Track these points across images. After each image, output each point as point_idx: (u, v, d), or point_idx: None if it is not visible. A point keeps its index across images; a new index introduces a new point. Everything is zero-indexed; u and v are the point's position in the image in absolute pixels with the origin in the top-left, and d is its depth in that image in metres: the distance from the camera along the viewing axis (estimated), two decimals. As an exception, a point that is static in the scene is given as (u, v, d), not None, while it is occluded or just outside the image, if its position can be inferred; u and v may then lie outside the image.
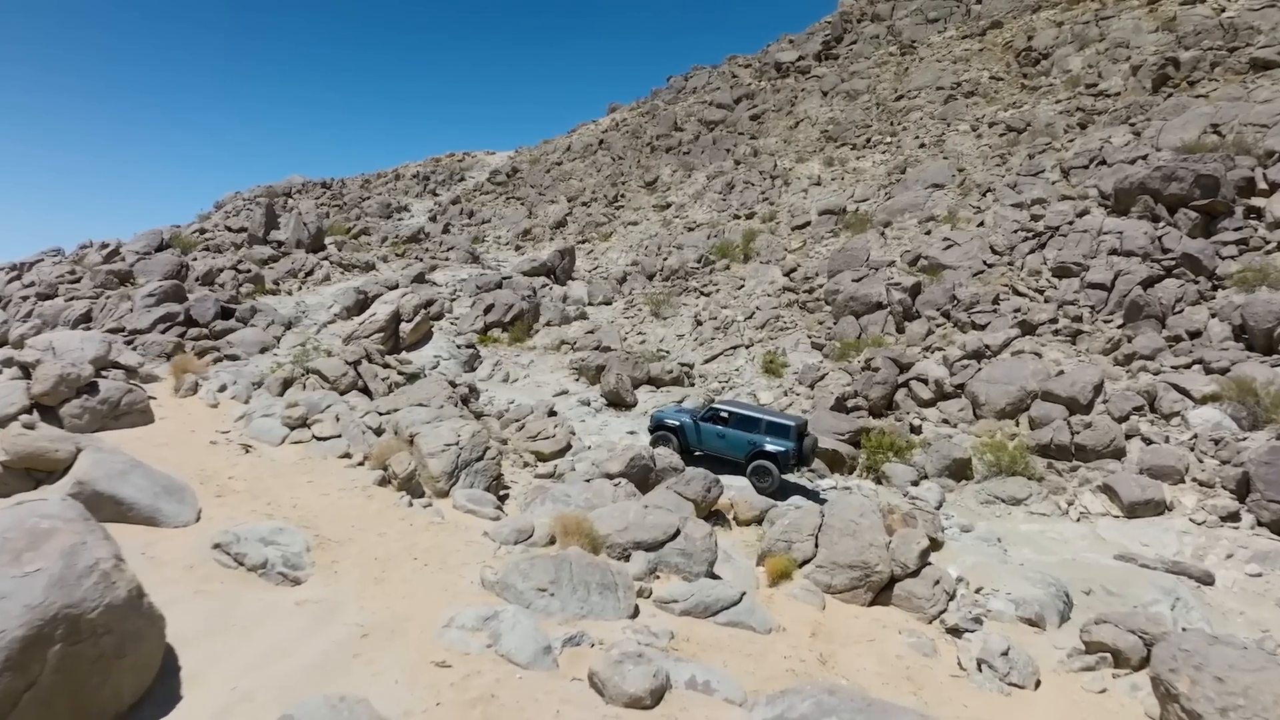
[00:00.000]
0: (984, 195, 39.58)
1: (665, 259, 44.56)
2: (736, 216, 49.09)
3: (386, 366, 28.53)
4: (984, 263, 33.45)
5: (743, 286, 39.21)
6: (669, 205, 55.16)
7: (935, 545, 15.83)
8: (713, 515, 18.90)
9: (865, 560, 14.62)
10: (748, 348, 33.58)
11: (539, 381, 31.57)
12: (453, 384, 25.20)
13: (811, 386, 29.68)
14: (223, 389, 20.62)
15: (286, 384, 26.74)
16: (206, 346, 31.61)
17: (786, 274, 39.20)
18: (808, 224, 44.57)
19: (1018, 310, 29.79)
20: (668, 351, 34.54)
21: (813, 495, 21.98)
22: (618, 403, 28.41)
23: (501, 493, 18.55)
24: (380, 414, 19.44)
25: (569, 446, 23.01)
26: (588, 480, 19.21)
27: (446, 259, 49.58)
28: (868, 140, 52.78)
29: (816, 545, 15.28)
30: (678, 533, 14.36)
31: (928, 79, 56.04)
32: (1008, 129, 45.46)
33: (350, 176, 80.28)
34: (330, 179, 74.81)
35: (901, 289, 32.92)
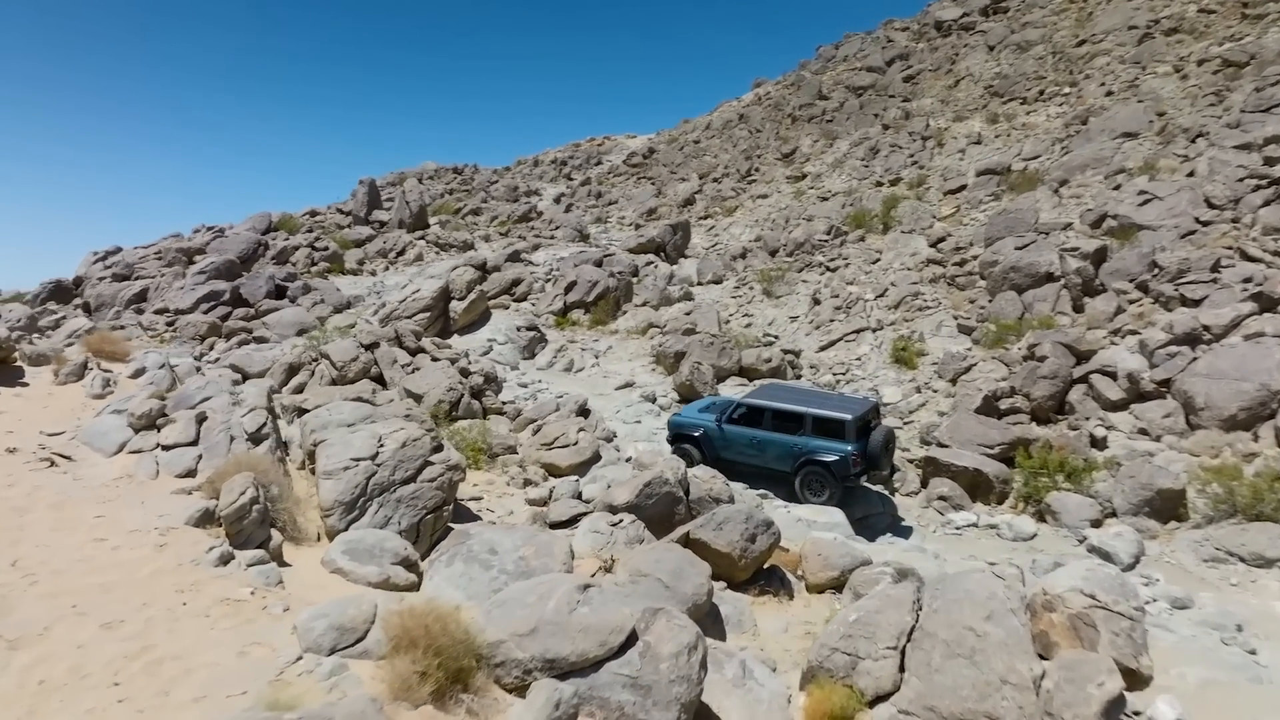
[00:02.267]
0: (1194, 140, 30.10)
1: (791, 232, 37.15)
2: (879, 183, 40.97)
3: (417, 351, 22.84)
4: (1196, 220, 24.44)
5: (877, 260, 31.41)
6: (804, 176, 47.47)
7: (1136, 680, 8.23)
8: (764, 574, 11.93)
9: (992, 713, 7.39)
10: (875, 331, 25.95)
11: (609, 371, 25.14)
12: (466, 372, 19.14)
13: (953, 381, 21.89)
14: (139, 374, 15.26)
15: (292, 370, 21.53)
16: (238, 327, 26.95)
17: (933, 244, 31.10)
18: (963, 187, 36.06)
19: (1249, 280, 20.88)
20: (775, 336, 27.36)
21: (902, 529, 14.68)
22: (692, 398, 21.60)
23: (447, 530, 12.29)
24: (302, 410, 13.59)
25: (596, 457, 16.47)
26: (578, 514, 12.66)
27: (553, 238, 43.97)
28: (1041, 93, 43.33)
29: (902, 668, 8.14)
30: (628, 642, 7.59)
31: (1117, 21, 45.87)
32: (1225, 64, 35.38)
33: (497, 166, 76.63)
34: (462, 164, 71.05)
35: (1080, 255, 24.46)
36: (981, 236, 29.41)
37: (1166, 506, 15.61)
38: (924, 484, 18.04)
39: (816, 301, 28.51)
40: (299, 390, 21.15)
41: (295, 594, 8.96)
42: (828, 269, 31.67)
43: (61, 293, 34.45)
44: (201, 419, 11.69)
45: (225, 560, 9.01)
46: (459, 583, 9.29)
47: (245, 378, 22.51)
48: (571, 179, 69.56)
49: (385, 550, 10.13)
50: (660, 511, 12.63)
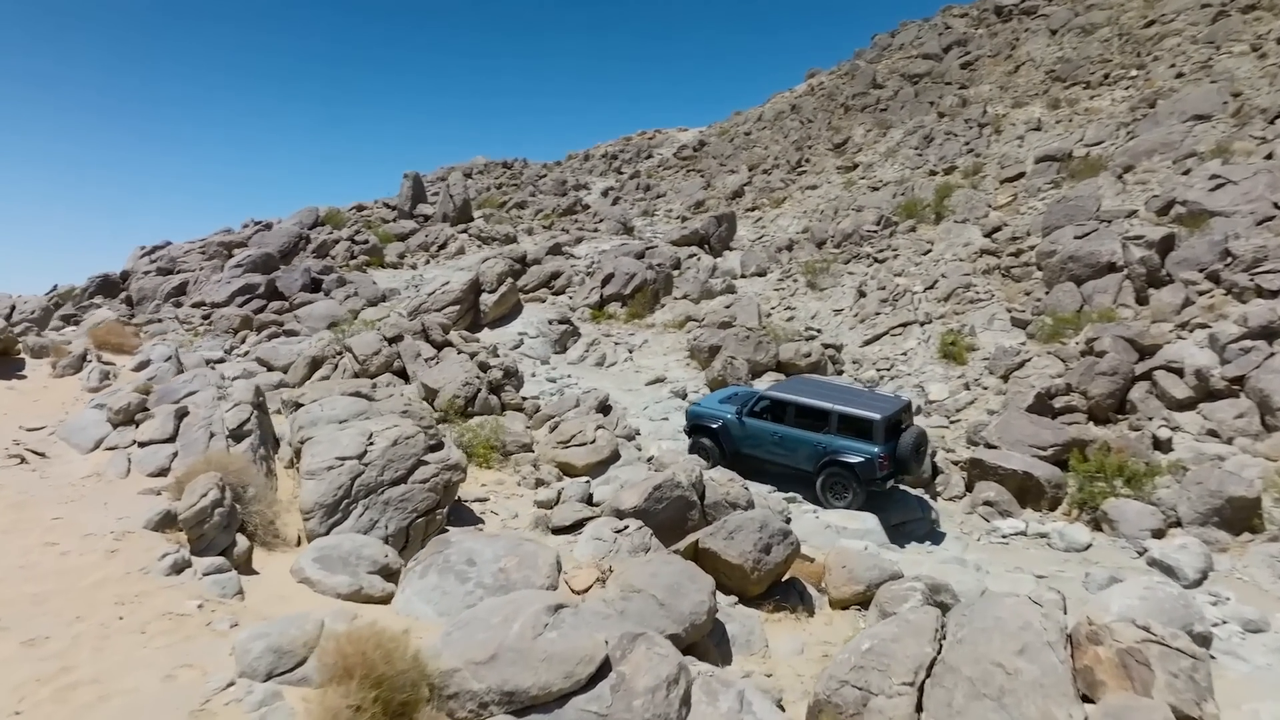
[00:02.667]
0: (1272, 121, 28.04)
1: (839, 223, 35.73)
2: (932, 172, 39.28)
3: (443, 345, 22.12)
4: (1275, 205, 22.57)
5: (929, 251, 29.90)
6: (855, 166, 45.88)
7: (1198, 729, 6.98)
8: (781, 588, 10.85)
9: (1021, 768, 6.26)
10: (923, 325, 24.54)
11: (642, 366, 24.15)
12: (484, 366, 18.32)
13: (1004, 378, 20.46)
14: (142, 366, 14.71)
15: (315, 364, 20.97)
16: (268, 320, 26.56)
17: (987, 234, 29.49)
18: (1021, 175, 34.27)
19: (1333, 269, 19.16)
20: (818, 330, 26.09)
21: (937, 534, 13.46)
22: (726, 395, 20.53)
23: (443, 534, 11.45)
24: (296, 404, 12.85)
25: (615, 456, 15.49)
26: (583, 519, 11.70)
27: (596, 231, 43.12)
28: (1106, 76, 41.17)
29: (920, 707, 7.03)
30: (600, 673, 6.62)
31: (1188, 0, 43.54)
32: (1306, 41, 33.15)
33: (547, 160, 76.11)
34: (512, 159, 70.64)
35: (1145, 244, 22.76)
36: (1039, 225, 27.77)
37: (1238, 516, 14.11)
38: (969, 488, 16.71)
39: (862, 294, 27.17)
40: (317, 381, 20.57)
41: (252, 607, 8.17)
42: (875, 260, 30.26)
43: (109, 287, 34.54)
44: (182, 414, 11.01)
45: (179, 568, 8.25)
46: (431, 597, 8.42)
47: (270, 372, 22.12)
48: (621, 173, 68.77)
49: (362, 558, 9.30)
50: (671, 517, 11.62)
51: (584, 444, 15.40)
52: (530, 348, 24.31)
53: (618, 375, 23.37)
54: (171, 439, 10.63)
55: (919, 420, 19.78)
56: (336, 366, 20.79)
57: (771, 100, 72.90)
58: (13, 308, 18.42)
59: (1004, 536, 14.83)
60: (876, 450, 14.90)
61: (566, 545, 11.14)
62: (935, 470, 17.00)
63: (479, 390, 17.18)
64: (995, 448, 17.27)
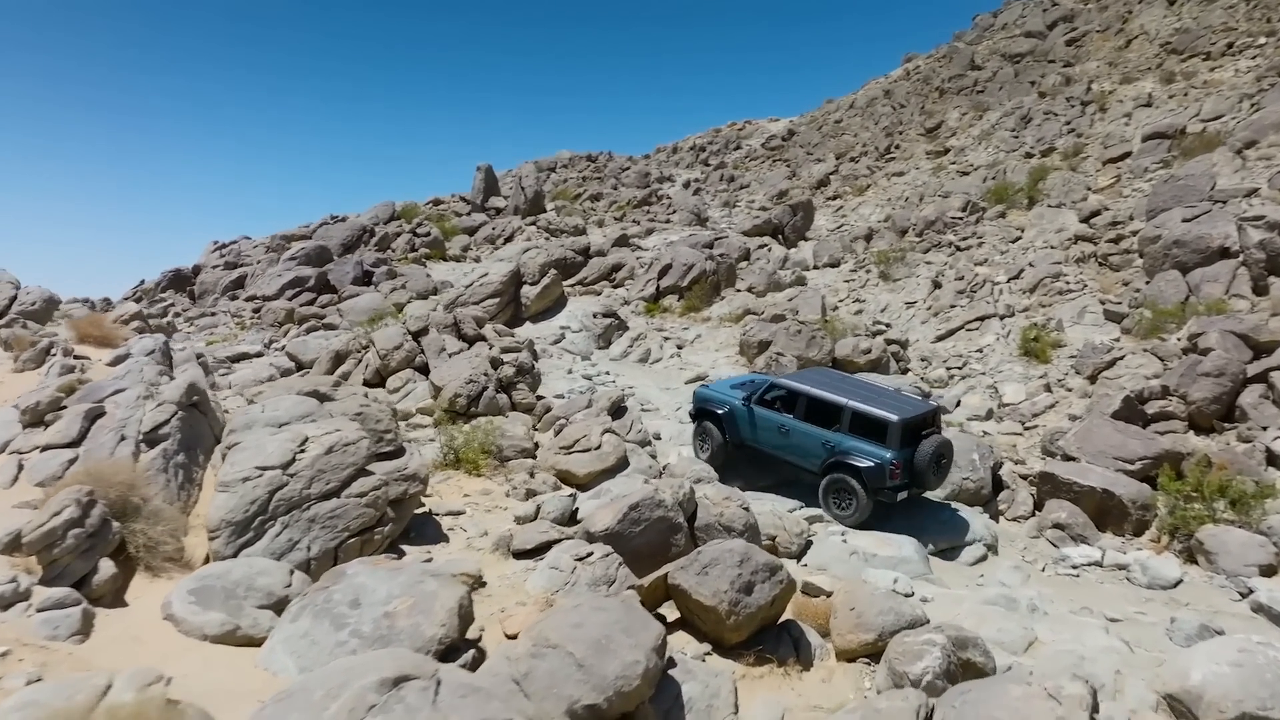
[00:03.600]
0: None
1: (922, 210, 32.97)
2: (1028, 154, 36.01)
3: (476, 339, 20.77)
4: None
5: (1017, 238, 27.04)
6: (946, 151, 42.75)
7: None
8: (773, 632, 8.87)
9: None
10: (1003, 318, 21.89)
11: (688, 363, 22.25)
12: (496, 362, 16.78)
13: (1091, 379, 17.83)
14: (119, 360, 13.67)
15: (339, 359, 19.92)
16: (309, 313, 25.74)
17: (1084, 219, 26.44)
18: (1126, 155, 30.86)
19: None
20: (886, 324, 23.68)
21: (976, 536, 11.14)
22: (769, 395, 18.53)
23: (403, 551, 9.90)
24: (247, 402, 11.50)
25: (623, 463, 13.71)
26: (549, 542, 9.94)
27: (668, 222, 41.36)
28: (1229, 45, 37.05)
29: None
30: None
31: (1328, -41, 38.90)
32: None
33: (634, 154, 74.64)
34: (596, 153, 69.36)
35: (1266, 226, 19.61)
36: (1143, 209, 24.66)
37: (1372, 552, 11.41)
38: (1037, 507, 14.28)
39: (937, 285, 24.62)
40: (343, 380, 19.46)
41: (84, 654, 6.73)
42: (957, 249, 27.56)
43: (180, 281, 34.62)
44: (96, 415, 9.74)
45: (7, 602, 6.88)
46: (297, 647, 6.82)
47: (299, 366, 21.15)
48: (707, 165, 66.89)
49: (254, 589, 7.80)
50: (651, 542, 9.78)
51: (588, 450, 13.66)
52: (572, 342, 22.72)
53: (660, 372, 21.55)
54: (76, 443, 9.39)
55: (988, 426, 17.37)
56: (360, 361, 19.66)
57: (865, 87, 69.67)
58: (12, 299, 17.80)
59: (1074, 567, 12.41)
60: (889, 456, 12.62)
61: (523, 573, 9.43)
62: (998, 484, 14.62)
63: (484, 388, 15.64)
64: (1073, 459, 14.77)
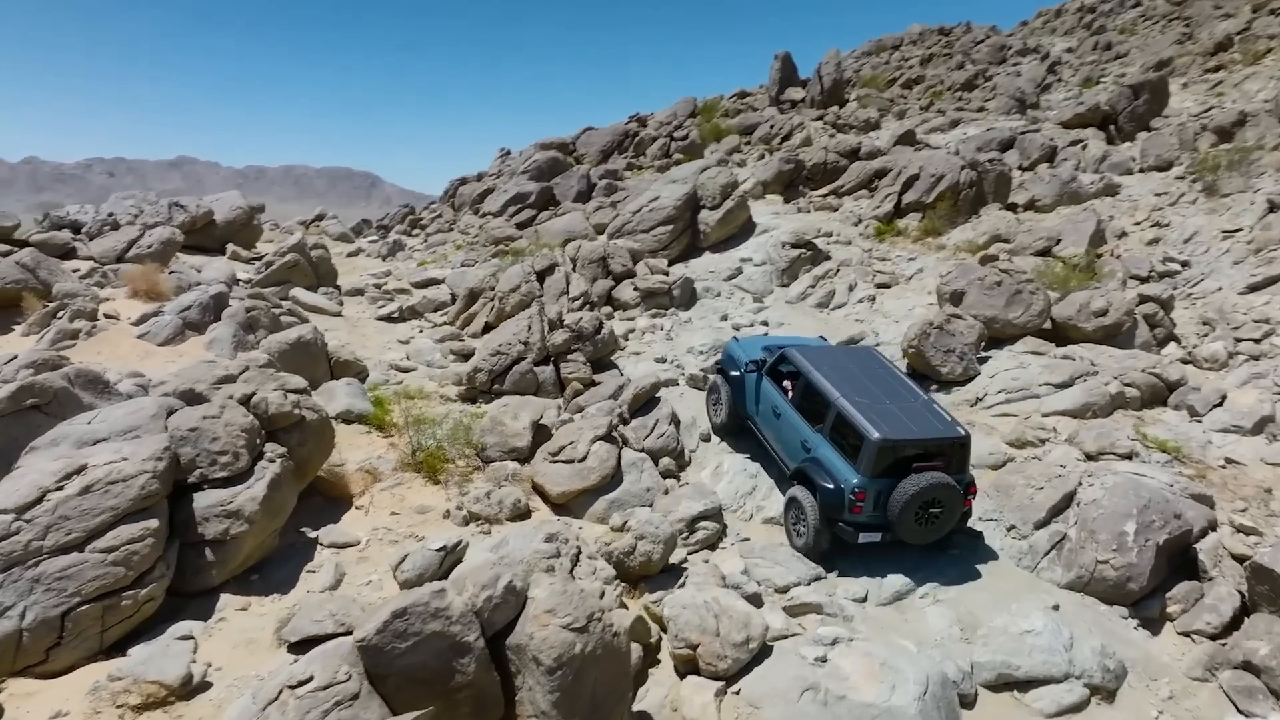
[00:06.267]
0: None
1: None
2: None
3: (624, 276, 18.17)
4: None
5: None
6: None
7: None
8: None
9: None
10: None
11: (886, 310, 17.46)
12: (555, 324, 13.83)
13: None
14: (143, 320, 13.07)
15: (472, 298, 18.55)
16: (505, 235, 24.45)
17: None
18: None
19: None
20: (1182, 264, 16.75)
21: None
22: (923, 371, 13.61)
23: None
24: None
25: (612, 480, 10.47)
26: (323, 636, 7.36)
27: (982, 110, 34.22)
28: None
29: None
30: None
31: None
32: None
33: (997, 24, 63.97)
34: (950, 25, 60.03)
35: None
36: None
37: None
38: (1236, 621, 8.62)
39: (1273, 209, 16.91)
40: (467, 324, 17.89)
41: None
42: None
43: (451, 192, 35.16)
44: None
45: None
46: None
47: (454, 300, 19.89)
48: (1087, 29, 55.20)
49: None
50: (427, 665, 6.73)
51: (571, 461, 10.58)
52: (749, 278, 18.95)
53: (838, 322, 17.11)
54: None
55: (1239, 449, 11.23)
56: (489, 303, 17.91)
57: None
58: (134, 240, 17.53)
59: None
60: (854, 482, 9.21)
61: (253, 683, 7.00)
62: (1185, 569, 9.11)
63: (517, 360, 12.92)
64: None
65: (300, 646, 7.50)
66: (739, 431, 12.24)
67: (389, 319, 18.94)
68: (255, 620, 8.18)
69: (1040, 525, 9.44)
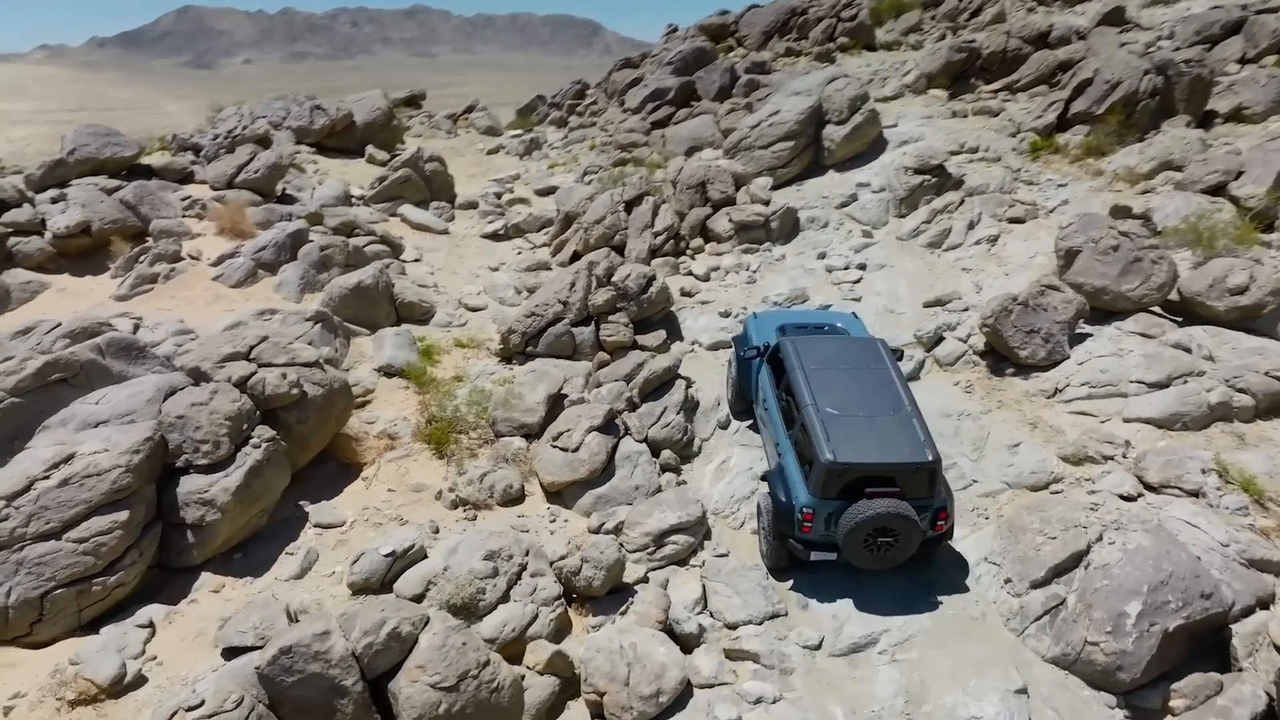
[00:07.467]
0: None
1: None
2: None
3: (723, 204, 17.23)
4: None
5: None
6: None
7: None
8: None
9: None
10: None
11: (1001, 257, 15.37)
12: (604, 279, 13.13)
13: None
14: (220, 260, 13.64)
15: (567, 223, 18.32)
16: (630, 141, 23.45)
17: None
18: None
19: None
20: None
21: None
22: (1002, 352, 11.93)
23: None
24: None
25: (603, 474, 10.06)
26: (244, 648, 7.66)
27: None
28: None
29: None
30: None
31: None
32: None
33: None
34: None
35: None
36: None
37: None
38: (1253, 736, 7.17)
39: None
40: (558, 250, 17.57)
41: None
42: None
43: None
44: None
45: None
46: None
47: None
48: None
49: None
50: (312, 699, 6.93)
51: (565, 450, 10.21)
52: (862, 206, 17.23)
53: (939, 268, 15.30)
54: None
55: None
56: (580, 231, 17.47)
57: None
58: (242, 166, 17.66)
59: None
60: (803, 500, 8.48)
61: (180, 688, 7.43)
62: (1217, 651, 7.63)
63: (553, 321, 12.41)
64: None
65: (229, 653, 7.93)
66: (748, 413, 11.50)
67: (494, 236, 18.92)
68: (220, 607, 8.68)
69: (1038, 585, 8.19)
